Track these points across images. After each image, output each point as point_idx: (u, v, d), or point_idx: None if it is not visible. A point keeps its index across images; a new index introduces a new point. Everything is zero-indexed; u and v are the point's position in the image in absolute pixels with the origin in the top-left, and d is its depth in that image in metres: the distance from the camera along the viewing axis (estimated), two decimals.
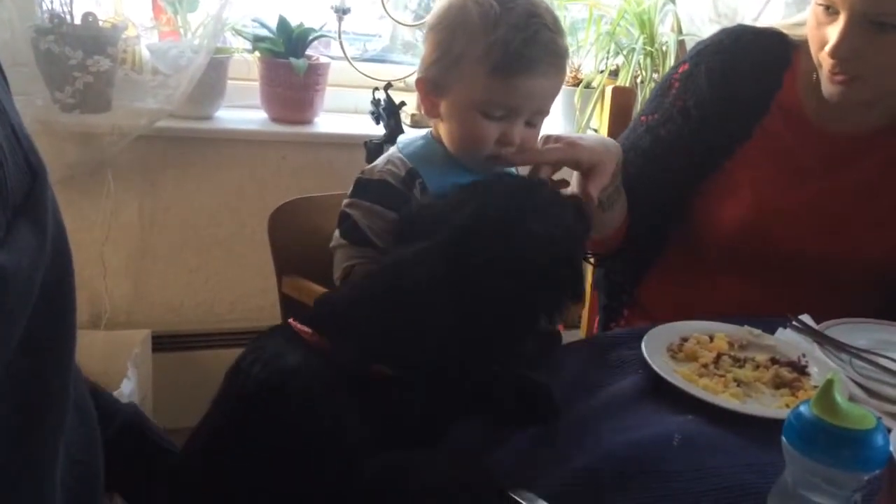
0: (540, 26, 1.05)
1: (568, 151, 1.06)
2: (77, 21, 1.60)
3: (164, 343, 1.86)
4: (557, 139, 1.06)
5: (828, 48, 1.12)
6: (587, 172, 1.07)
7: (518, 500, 0.72)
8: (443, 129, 1.13)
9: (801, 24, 1.24)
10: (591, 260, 1.35)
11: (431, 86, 1.10)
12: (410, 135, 1.18)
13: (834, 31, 1.11)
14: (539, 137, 1.09)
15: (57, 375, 0.61)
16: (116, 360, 1.64)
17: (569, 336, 1.33)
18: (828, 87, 1.17)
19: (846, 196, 1.24)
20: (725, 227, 1.27)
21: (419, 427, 0.78)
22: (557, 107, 2.12)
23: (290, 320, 0.83)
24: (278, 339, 0.81)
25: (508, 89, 1.05)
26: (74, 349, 0.63)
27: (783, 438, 0.66)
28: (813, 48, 1.17)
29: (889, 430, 0.65)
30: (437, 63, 1.09)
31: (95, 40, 1.60)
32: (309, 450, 0.73)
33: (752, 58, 1.27)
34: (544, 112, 1.11)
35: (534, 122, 1.10)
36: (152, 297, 1.89)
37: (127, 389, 1.52)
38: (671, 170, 1.28)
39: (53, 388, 0.60)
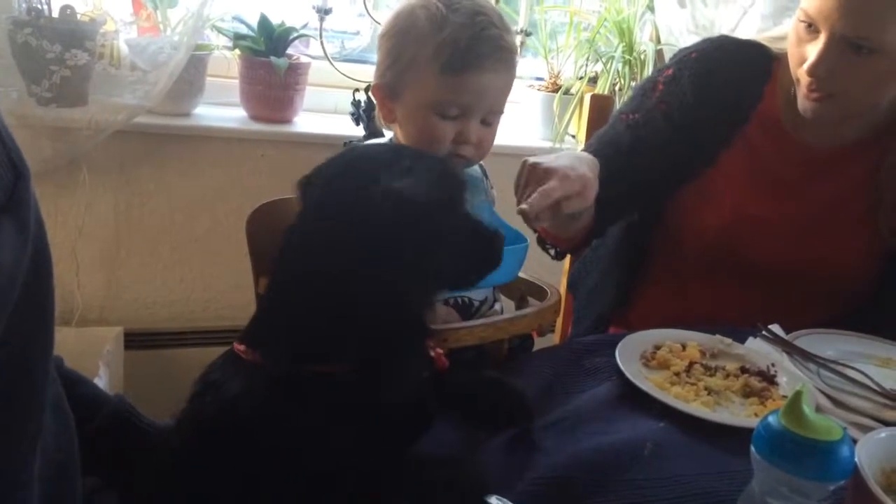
0: (486, 23, 1.08)
1: (562, 189, 0.99)
2: (55, 14, 1.58)
3: (136, 341, 1.84)
4: (546, 171, 1.00)
5: (806, 66, 1.14)
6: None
7: None
8: (400, 134, 1.15)
9: (782, 38, 1.26)
10: (552, 252, 1.37)
11: (387, 91, 1.13)
12: (371, 141, 1.20)
13: (813, 50, 1.13)
14: (521, 165, 1.04)
15: (33, 375, 0.60)
16: (88, 357, 1.62)
17: (545, 341, 1.34)
18: (803, 103, 1.19)
19: (822, 207, 1.26)
20: (702, 234, 1.29)
21: (383, 423, 0.78)
22: (537, 112, 2.14)
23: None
24: (223, 365, 0.80)
25: (460, 87, 1.07)
26: (52, 349, 0.63)
27: (752, 447, 0.67)
28: (792, 63, 1.19)
29: (855, 441, 0.66)
30: (391, 68, 1.12)
31: (73, 34, 1.58)
32: (275, 469, 0.73)
33: (734, 68, 1.29)
34: (498, 110, 1.13)
35: (489, 121, 1.13)
36: (125, 294, 1.87)
37: None
38: (650, 170, 1.29)
39: (30, 387, 0.60)
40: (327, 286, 0.75)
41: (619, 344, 1.03)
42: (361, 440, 0.76)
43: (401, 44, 1.10)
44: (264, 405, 0.74)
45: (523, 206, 0.97)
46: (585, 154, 1.17)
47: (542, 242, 1.35)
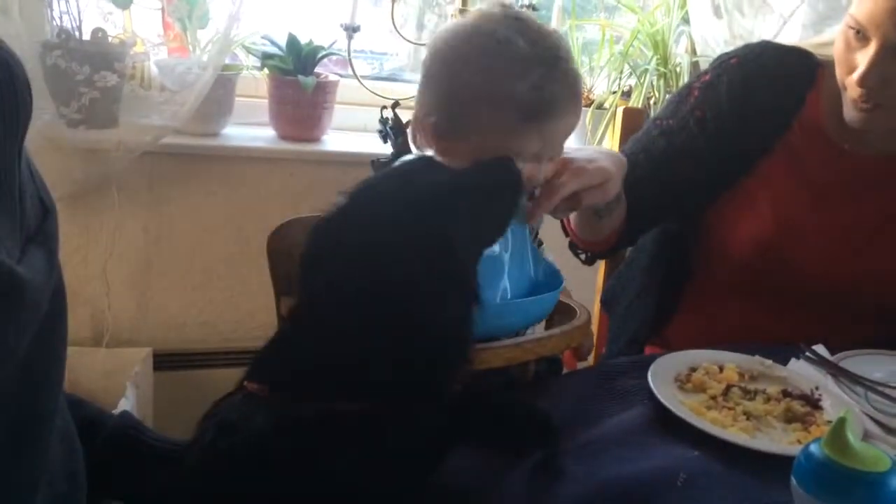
0: (564, 61, 0.97)
1: (577, 182, 0.98)
2: (86, 37, 1.60)
3: (165, 362, 1.83)
4: (563, 163, 0.99)
5: (856, 76, 1.08)
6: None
7: None
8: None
9: (827, 44, 1.20)
10: (582, 257, 1.32)
11: (440, 131, 1.00)
12: (409, 158, 1.16)
13: (863, 58, 1.07)
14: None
15: (44, 404, 0.62)
16: (116, 379, 1.62)
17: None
18: (850, 113, 1.13)
19: (869, 220, 1.21)
20: (741, 246, 1.23)
21: (407, 461, 0.75)
22: None
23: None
24: (231, 401, 0.78)
25: (540, 134, 0.96)
26: (63, 381, 0.66)
27: (792, 479, 0.62)
28: (839, 72, 1.13)
29: None
30: (447, 107, 0.99)
31: (103, 56, 1.59)
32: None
33: (774, 74, 1.24)
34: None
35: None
36: (155, 314, 1.86)
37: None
38: (683, 177, 1.24)
39: (39, 416, 0.62)
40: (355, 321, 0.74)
41: (652, 365, 0.98)
42: (386, 470, 0.73)
43: (460, 77, 0.96)
44: (293, 443, 0.72)
45: (528, 204, 0.96)
46: (611, 150, 1.14)
47: (573, 247, 1.31)
